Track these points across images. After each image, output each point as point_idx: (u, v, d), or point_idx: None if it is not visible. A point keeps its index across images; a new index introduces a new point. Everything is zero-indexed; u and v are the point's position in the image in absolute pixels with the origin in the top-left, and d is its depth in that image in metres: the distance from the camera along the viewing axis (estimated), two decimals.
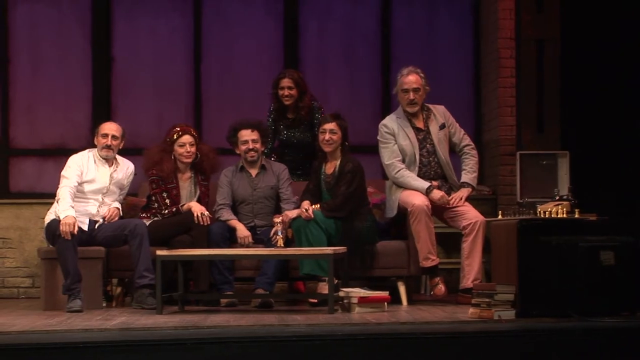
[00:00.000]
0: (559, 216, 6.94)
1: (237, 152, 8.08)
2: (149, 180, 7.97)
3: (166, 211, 7.88)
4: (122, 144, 7.93)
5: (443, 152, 7.91)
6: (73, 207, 7.49)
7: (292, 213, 7.71)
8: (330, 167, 7.81)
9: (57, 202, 7.57)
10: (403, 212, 7.75)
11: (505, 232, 6.73)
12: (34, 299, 8.67)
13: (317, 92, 8.78)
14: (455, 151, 8.06)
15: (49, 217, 7.63)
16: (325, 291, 7.28)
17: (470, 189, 7.92)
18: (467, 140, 8.06)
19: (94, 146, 7.89)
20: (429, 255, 7.62)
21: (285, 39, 9.73)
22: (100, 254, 7.64)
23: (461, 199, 7.78)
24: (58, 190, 7.65)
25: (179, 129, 8.00)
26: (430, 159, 7.90)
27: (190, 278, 7.68)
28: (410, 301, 7.72)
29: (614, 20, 9.01)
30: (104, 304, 7.75)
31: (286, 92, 8.35)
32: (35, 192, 9.44)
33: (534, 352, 5.76)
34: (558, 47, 9.22)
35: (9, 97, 9.55)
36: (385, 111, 9.16)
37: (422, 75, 7.90)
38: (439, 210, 7.79)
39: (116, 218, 7.83)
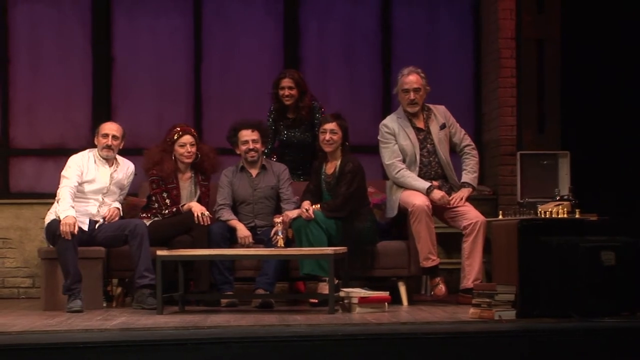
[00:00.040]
0: (559, 216, 6.94)
1: (238, 152, 8.08)
2: (149, 181, 7.97)
3: (166, 211, 7.87)
4: (122, 144, 7.92)
5: (443, 152, 7.90)
6: (73, 207, 7.48)
7: (293, 213, 7.70)
8: (331, 167, 7.81)
9: (57, 202, 7.57)
10: (403, 212, 7.74)
11: (506, 233, 6.72)
12: (34, 299, 8.66)
13: (318, 92, 8.77)
14: (455, 151, 8.05)
15: (49, 217, 7.63)
16: (326, 291, 7.28)
17: (470, 189, 7.91)
18: (467, 140, 8.06)
19: (94, 146, 7.89)
20: (429, 256, 7.62)
21: (285, 38, 9.72)
22: (100, 254, 7.64)
23: (462, 199, 7.77)
24: (58, 191, 7.64)
25: (179, 129, 7.99)
26: (431, 159, 7.89)
27: (190, 278, 7.68)
28: (411, 301, 7.71)
29: (615, 21, 9.02)
30: (104, 304, 7.74)
31: (286, 92, 8.34)
32: (36, 192, 9.42)
33: (534, 353, 5.75)
34: (558, 48, 9.22)
35: (9, 97, 9.54)
36: (386, 111, 9.15)
37: (422, 75, 7.90)
38: (439, 211, 7.78)
39: (116, 218, 7.82)
